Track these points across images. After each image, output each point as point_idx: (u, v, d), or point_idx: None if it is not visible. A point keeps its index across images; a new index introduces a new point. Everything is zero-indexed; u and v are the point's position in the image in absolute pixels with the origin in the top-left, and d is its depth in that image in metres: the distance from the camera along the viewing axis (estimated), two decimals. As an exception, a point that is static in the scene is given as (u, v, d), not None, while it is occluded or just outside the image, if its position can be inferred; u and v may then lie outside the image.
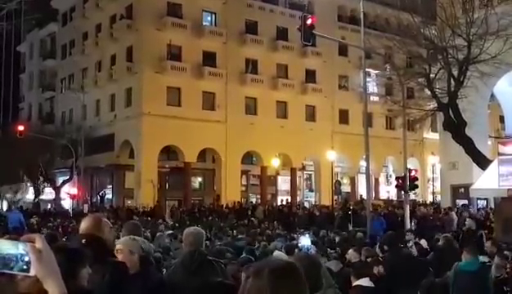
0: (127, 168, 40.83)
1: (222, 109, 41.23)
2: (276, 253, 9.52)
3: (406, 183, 21.26)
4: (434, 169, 41.78)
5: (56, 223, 27.29)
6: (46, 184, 46.26)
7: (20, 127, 36.19)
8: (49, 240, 1.72)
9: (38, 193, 46.15)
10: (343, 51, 45.55)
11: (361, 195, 42.21)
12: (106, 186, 43.91)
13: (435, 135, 35.54)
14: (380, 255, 9.04)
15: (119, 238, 4.69)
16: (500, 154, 22.40)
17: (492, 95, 31.54)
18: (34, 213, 34.54)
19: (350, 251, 9.09)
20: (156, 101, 38.19)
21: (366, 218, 22.35)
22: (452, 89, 23.23)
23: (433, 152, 40.35)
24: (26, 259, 1.50)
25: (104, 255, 3.52)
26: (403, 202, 23.26)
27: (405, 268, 7.80)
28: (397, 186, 24.63)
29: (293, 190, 45.19)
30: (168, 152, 40.74)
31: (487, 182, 20.99)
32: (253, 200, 42.01)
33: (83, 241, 3.50)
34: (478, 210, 25.60)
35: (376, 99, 38.35)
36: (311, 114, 45.71)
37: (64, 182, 44.89)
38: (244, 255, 8.39)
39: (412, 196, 27.78)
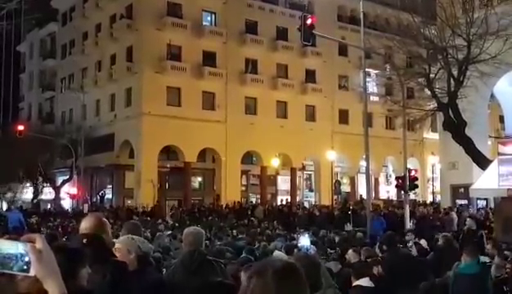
0: (127, 168, 40.81)
1: (222, 108, 41.21)
2: (276, 253, 9.52)
3: (406, 183, 21.26)
4: (434, 169, 41.84)
5: (56, 223, 27.35)
6: (45, 183, 46.24)
7: (20, 127, 36.23)
8: (49, 240, 1.72)
9: (37, 192, 46.15)
10: (343, 51, 45.54)
11: (360, 195, 42.20)
12: (106, 186, 43.90)
13: (435, 135, 35.50)
14: (380, 255, 9.03)
15: (118, 237, 4.69)
16: (500, 154, 22.45)
17: (492, 95, 31.48)
18: (34, 213, 34.56)
19: (350, 251, 9.08)
20: (156, 101, 38.16)
21: (366, 218, 22.36)
22: (452, 89, 23.24)
23: (433, 152, 40.37)
24: (26, 259, 1.50)
25: (105, 254, 3.50)
26: (403, 202, 23.29)
27: (404, 268, 7.78)
28: (397, 186, 24.65)
29: (293, 190, 45.15)
30: (168, 152, 40.71)
31: (487, 182, 21.00)
32: (253, 200, 42.04)
33: (85, 241, 3.46)
34: (478, 210, 25.57)
35: (376, 99, 38.36)
36: (311, 114, 45.69)
37: (64, 182, 44.89)
38: (244, 255, 8.39)
39: (412, 196, 27.83)
